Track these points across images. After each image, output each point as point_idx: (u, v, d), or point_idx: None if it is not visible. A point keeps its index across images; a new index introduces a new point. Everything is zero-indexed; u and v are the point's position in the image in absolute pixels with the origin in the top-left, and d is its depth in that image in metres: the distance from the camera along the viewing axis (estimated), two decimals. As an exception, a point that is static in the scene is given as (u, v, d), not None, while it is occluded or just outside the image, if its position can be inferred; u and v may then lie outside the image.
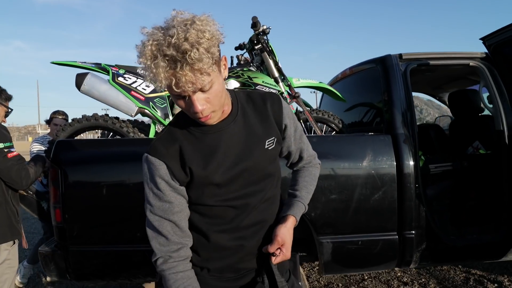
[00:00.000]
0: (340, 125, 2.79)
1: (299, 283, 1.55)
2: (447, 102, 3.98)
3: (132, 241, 2.17)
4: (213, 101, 0.95)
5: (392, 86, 2.53)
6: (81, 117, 2.47)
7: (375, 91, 2.80)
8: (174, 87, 0.88)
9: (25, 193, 2.33)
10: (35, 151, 3.44)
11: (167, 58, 0.84)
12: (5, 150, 1.99)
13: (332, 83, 3.73)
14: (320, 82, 2.90)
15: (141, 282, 2.60)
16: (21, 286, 3.58)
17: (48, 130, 3.95)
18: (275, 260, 1.10)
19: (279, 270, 1.16)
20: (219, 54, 0.95)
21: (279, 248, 1.11)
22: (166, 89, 0.93)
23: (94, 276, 2.26)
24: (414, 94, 2.94)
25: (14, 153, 2.04)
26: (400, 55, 2.68)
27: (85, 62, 2.42)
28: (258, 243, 1.15)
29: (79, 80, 2.33)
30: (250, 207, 1.13)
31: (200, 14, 0.92)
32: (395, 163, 2.30)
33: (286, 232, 1.13)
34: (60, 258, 2.18)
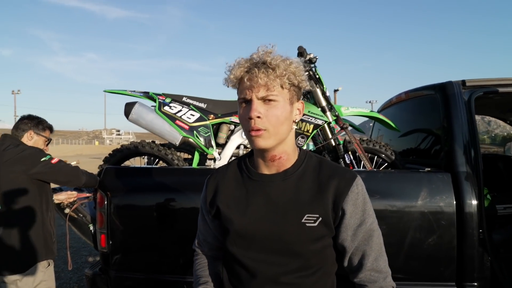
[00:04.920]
0: (393, 157, 2.59)
1: None
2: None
3: (174, 272, 2.17)
4: (270, 118, 0.95)
5: (453, 118, 2.28)
6: (129, 143, 2.54)
7: (433, 120, 2.57)
8: (243, 82, 0.96)
9: (75, 216, 2.44)
10: None
11: (250, 63, 0.96)
12: (48, 159, 2.13)
13: (385, 107, 3.51)
14: (371, 111, 2.72)
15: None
16: None
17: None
18: None
19: None
20: (296, 93, 1.01)
21: None
22: (236, 90, 1.01)
23: (134, 302, 2.29)
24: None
25: (57, 159, 2.19)
26: (463, 82, 2.42)
27: (134, 91, 2.50)
28: None
29: (128, 110, 2.41)
30: (264, 278, 1.02)
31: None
32: (454, 205, 2.06)
33: None
34: (102, 281, 2.25)
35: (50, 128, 2.37)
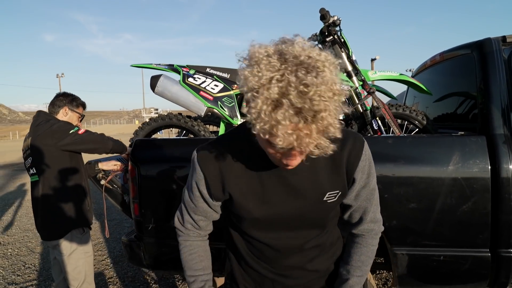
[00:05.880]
0: (424, 122, 2.47)
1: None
2: None
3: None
4: (304, 154, 0.83)
5: (491, 78, 2.13)
6: (157, 116, 2.62)
7: (469, 82, 2.41)
8: (290, 143, 0.72)
9: (110, 187, 2.57)
10: None
11: (294, 109, 0.69)
12: (75, 131, 2.23)
13: (420, 70, 3.33)
14: (401, 74, 2.59)
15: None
16: None
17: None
18: None
19: None
20: None
21: None
22: (264, 135, 0.75)
23: (167, 266, 2.41)
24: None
25: (83, 130, 2.29)
26: (504, 38, 2.23)
27: (159, 64, 2.55)
28: (298, 285, 1.12)
29: (153, 82, 2.46)
30: (290, 250, 1.06)
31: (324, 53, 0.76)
32: (489, 169, 1.96)
33: None
34: (138, 247, 2.38)
35: (83, 105, 2.49)
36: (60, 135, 2.19)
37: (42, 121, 2.25)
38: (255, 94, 0.71)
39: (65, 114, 2.39)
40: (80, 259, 2.31)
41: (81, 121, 2.50)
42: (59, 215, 2.24)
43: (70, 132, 2.21)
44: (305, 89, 0.68)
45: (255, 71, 0.71)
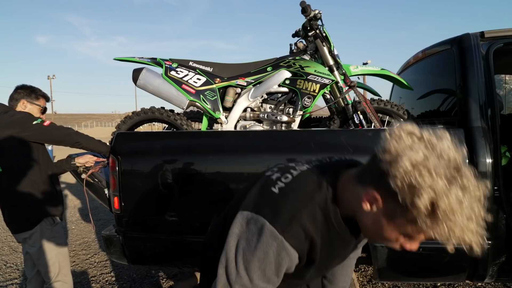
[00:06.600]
0: (406, 117, 2.50)
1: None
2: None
3: (183, 232, 2.23)
4: None
5: (469, 72, 2.16)
6: (140, 110, 2.60)
7: (450, 77, 2.44)
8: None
9: (91, 181, 2.54)
10: None
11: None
12: (40, 122, 2.14)
13: (404, 68, 3.36)
14: (382, 69, 2.61)
15: (191, 271, 2.69)
16: None
17: None
18: None
19: None
20: None
21: None
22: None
23: (147, 261, 2.39)
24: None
25: (49, 122, 2.20)
26: (482, 34, 2.27)
27: (142, 58, 2.53)
28: None
29: (136, 75, 2.44)
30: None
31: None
32: (467, 162, 1.98)
33: None
34: (118, 242, 2.35)
35: (44, 96, 2.38)
36: (22, 125, 2.11)
37: (0, 113, 2.16)
38: (444, 199, 0.70)
39: (23, 108, 2.28)
40: (53, 250, 2.22)
41: (43, 113, 2.38)
42: (26, 206, 2.16)
43: (34, 122, 2.12)
44: (474, 189, 0.74)
45: (435, 172, 0.72)
